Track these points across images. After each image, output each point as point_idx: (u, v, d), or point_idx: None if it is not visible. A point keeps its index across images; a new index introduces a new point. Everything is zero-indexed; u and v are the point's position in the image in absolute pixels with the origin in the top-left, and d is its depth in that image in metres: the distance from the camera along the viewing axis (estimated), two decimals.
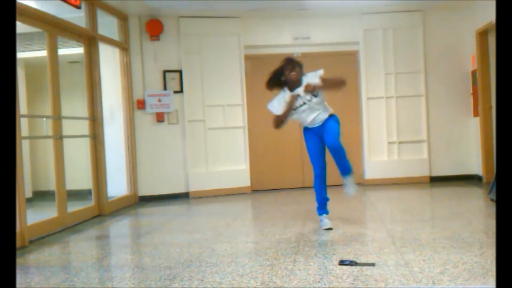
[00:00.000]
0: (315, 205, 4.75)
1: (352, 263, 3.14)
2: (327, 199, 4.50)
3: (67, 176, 5.27)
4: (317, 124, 4.41)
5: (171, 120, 7.01)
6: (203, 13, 6.96)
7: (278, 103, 4.42)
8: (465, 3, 7.01)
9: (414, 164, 7.40)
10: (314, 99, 4.32)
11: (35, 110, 7.57)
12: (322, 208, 4.49)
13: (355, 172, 7.49)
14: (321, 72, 4.36)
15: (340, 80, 4.42)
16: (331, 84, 4.41)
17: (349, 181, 4.45)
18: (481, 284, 2.66)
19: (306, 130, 4.50)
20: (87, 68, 5.86)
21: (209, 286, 2.89)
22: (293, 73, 4.33)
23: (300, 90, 4.32)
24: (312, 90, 4.27)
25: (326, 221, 4.40)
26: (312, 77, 4.33)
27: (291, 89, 4.38)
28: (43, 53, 5.20)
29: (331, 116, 4.42)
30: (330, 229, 4.31)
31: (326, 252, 3.51)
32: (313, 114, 4.36)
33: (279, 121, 4.45)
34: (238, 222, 5.05)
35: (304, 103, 4.34)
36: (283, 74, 4.38)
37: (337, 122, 4.43)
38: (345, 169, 4.41)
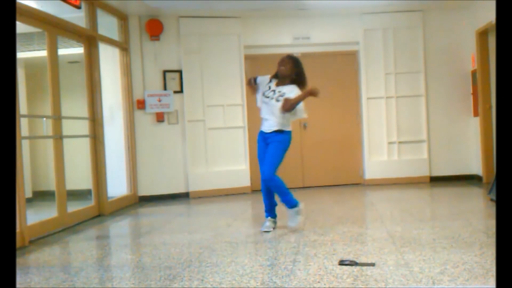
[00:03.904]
0: (314, 205, 4.77)
1: (352, 263, 3.14)
2: (274, 204, 4.48)
3: (67, 176, 5.27)
4: (265, 128, 4.39)
5: (171, 120, 7.01)
6: (203, 13, 6.96)
7: (261, 79, 4.49)
8: (465, 3, 7.01)
9: (414, 164, 7.40)
10: (274, 103, 4.28)
11: (35, 110, 7.57)
12: (267, 211, 4.49)
13: (355, 173, 7.57)
14: (296, 91, 4.27)
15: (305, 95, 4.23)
16: (299, 98, 4.24)
17: (292, 213, 4.34)
18: (481, 284, 2.66)
19: (259, 132, 4.49)
20: (87, 68, 5.86)
21: (209, 286, 2.89)
22: (283, 67, 4.34)
23: (278, 89, 4.33)
24: (289, 109, 4.22)
25: (267, 224, 4.42)
26: (290, 92, 4.27)
27: (278, 84, 4.39)
28: (43, 53, 5.20)
29: (280, 133, 4.30)
30: (267, 231, 4.32)
31: (326, 252, 3.51)
32: (266, 114, 4.36)
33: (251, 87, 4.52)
34: (238, 222, 5.05)
35: (269, 97, 4.34)
36: (278, 67, 4.40)
37: (283, 143, 4.31)
38: (287, 203, 4.33)
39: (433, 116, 7.44)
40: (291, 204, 4.33)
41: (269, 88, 4.41)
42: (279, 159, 4.31)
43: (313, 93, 4.13)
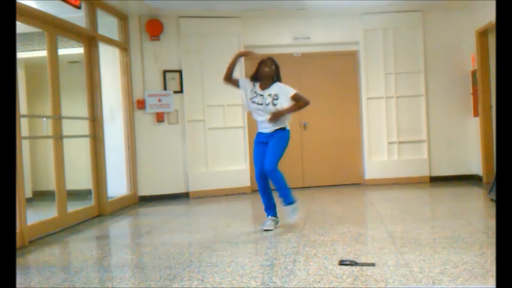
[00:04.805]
0: (314, 205, 4.76)
1: (352, 263, 3.14)
2: (274, 203, 4.54)
3: (67, 176, 5.27)
4: (265, 129, 4.48)
5: (171, 120, 7.01)
6: (203, 13, 6.96)
7: (243, 84, 4.58)
8: (465, 3, 7.01)
9: (414, 164, 7.40)
10: (271, 107, 4.39)
11: (35, 110, 7.56)
12: (267, 209, 4.55)
13: (355, 173, 7.57)
14: (292, 92, 4.42)
15: (306, 102, 4.46)
16: (298, 106, 4.46)
17: (289, 210, 4.46)
18: (481, 284, 2.66)
19: (257, 133, 4.58)
20: (87, 68, 5.86)
21: (209, 286, 2.89)
22: (267, 69, 4.43)
23: (265, 92, 4.43)
24: (277, 119, 4.38)
25: (268, 222, 4.46)
26: (283, 92, 4.40)
27: (262, 87, 4.48)
28: (43, 53, 5.20)
29: (282, 130, 4.45)
30: (268, 230, 4.37)
31: (326, 252, 3.51)
32: (262, 117, 4.46)
33: (227, 74, 4.57)
34: (238, 222, 5.05)
35: (261, 104, 4.43)
36: (259, 69, 4.50)
37: (284, 139, 4.46)
38: (285, 198, 4.44)
39: (433, 116, 7.44)
40: (288, 200, 4.44)
41: (256, 93, 4.48)
42: (280, 153, 4.42)
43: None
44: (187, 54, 7.04)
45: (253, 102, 4.47)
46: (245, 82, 4.60)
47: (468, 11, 7.17)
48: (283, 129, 4.46)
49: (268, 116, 4.40)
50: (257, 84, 4.52)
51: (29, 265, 3.72)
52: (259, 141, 4.54)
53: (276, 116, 4.37)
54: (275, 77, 4.51)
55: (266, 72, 4.45)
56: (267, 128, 4.46)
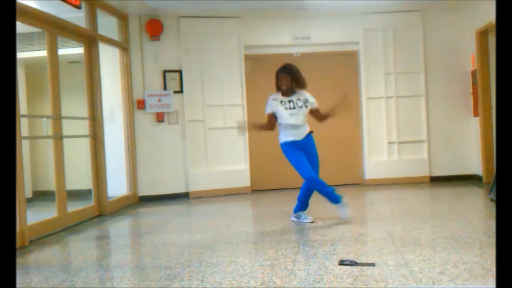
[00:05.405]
0: (314, 205, 4.76)
1: (352, 263, 3.14)
2: (330, 189, 4.64)
3: (67, 176, 5.27)
4: (300, 136, 4.61)
5: (171, 120, 7.01)
6: (203, 13, 6.96)
7: (270, 107, 4.68)
8: (465, 3, 7.01)
9: (414, 164, 7.40)
10: (304, 109, 4.61)
11: (35, 110, 7.56)
12: (332, 195, 4.63)
13: (355, 173, 7.57)
14: (313, 101, 4.72)
15: (327, 115, 4.78)
16: (320, 116, 4.80)
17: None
18: (481, 284, 2.66)
19: (291, 142, 4.61)
20: (87, 68, 5.86)
21: (209, 286, 2.89)
22: (284, 87, 4.59)
23: (294, 98, 4.61)
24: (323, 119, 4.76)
25: (346, 208, 4.62)
26: (310, 99, 4.69)
27: (285, 95, 4.64)
28: (43, 53, 5.20)
29: (311, 134, 4.70)
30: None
31: (326, 252, 3.51)
32: (297, 122, 4.59)
33: (264, 128, 4.77)
34: (238, 222, 5.05)
35: (294, 108, 4.58)
36: (278, 84, 4.67)
37: (315, 145, 4.73)
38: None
39: (433, 116, 7.44)
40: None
41: (284, 102, 4.61)
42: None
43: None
44: (187, 54, 7.04)
45: (287, 109, 4.58)
46: (272, 104, 4.64)
47: (468, 11, 7.17)
48: (312, 132, 4.70)
49: (302, 121, 4.59)
50: (279, 94, 4.65)
51: (29, 265, 3.72)
52: (295, 148, 4.60)
53: (323, 118, 4.79)
54: (295, 84, 4.62)
55: (284, 89, 4.60)
56: (303, 133, 4.61)
